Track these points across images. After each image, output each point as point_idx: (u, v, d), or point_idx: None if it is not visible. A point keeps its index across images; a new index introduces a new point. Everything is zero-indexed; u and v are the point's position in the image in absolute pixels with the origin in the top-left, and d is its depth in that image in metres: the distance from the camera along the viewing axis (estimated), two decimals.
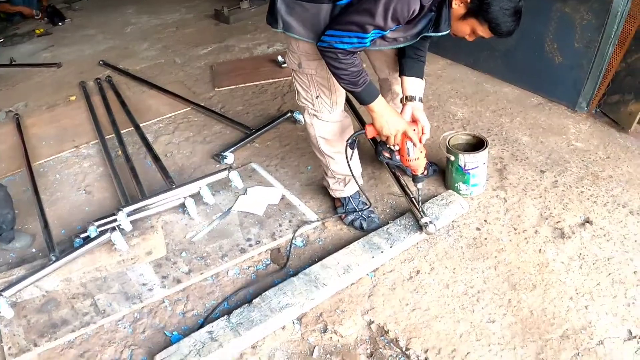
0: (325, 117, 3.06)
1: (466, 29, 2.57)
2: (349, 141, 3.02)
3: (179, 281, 3.12)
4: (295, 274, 3.01)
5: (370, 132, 2.95)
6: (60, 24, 8.57)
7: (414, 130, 2.91)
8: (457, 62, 5.25)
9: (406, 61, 2.98)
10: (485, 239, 3.19)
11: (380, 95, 2.81)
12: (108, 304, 3.03)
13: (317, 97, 2.99)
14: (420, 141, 2.94)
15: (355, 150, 3.12)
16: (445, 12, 2.53)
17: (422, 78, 3.04)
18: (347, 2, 2.53)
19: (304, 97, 3.04)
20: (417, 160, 2.99)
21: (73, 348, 2.86)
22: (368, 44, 2.56)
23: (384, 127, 2.85)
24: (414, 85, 3.00)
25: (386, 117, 2.83)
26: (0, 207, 3.44)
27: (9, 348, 2.85)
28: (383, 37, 2.62)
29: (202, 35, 7.19)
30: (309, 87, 2.97)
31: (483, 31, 2.53)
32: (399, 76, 3.04)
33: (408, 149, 2.94)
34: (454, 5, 2.49)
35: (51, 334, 2.90)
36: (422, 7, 2.43)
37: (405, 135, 2.89)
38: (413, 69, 2.99)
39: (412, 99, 2.98)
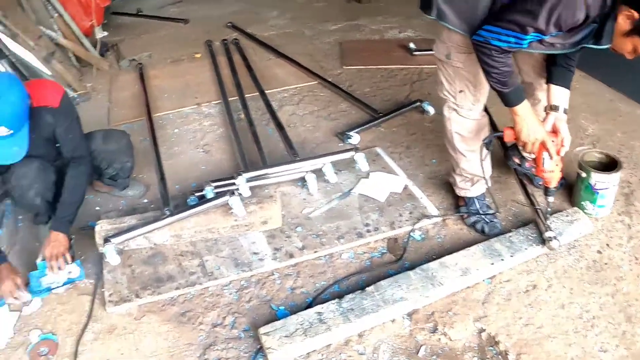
0: (465, 113, 3.00)
1: (628, 46, 2.48)
2: (486, 141, 2.97)
3: (291, 256, 3.12)
4: (410, 267, 2.98)
5: (508, 136, 2.89)
6: None
7: (553, 141, 2.83)
8: (592, 76, 5.06)
9: (556, 69, 2.90)
10: (606, 263, 3.07)
11: (526, 99, 2.74)
12: (216, 267, 3.07)
13: (461, 91, 2.93)
14: (558, 153, 2.86)
15: (489, 151, 3.05)
16: (609, 26, 2.44)
17: (569, 88, 2.94)
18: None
19: (447, 89, 2.98)
20: (552, 172, 2.91)
21: (175, 306, 2.90)
22: (525, 45, 2.51)
23: (523, 133, 2.79)
24: (560, 94, 2.91)
25: (528, 122, 2.77)
26: (122, 154, 3.49)
27: (110, 295, 2.91)
28: (541, 41, 2.56)
29: (332, 11, 7.13)
30: (454, 80, 2.92)
31: None
32: (546, 83, 2.96)
33: (544, 159, 2.87)
34: (619, 20, 2.41)
35: (155, 288, 2.95)
36: (587, 17, 2.37)
37: (543, 145, 2.81)
38: (562, 78, 2.91)
39: (556, 108, 2.90)
